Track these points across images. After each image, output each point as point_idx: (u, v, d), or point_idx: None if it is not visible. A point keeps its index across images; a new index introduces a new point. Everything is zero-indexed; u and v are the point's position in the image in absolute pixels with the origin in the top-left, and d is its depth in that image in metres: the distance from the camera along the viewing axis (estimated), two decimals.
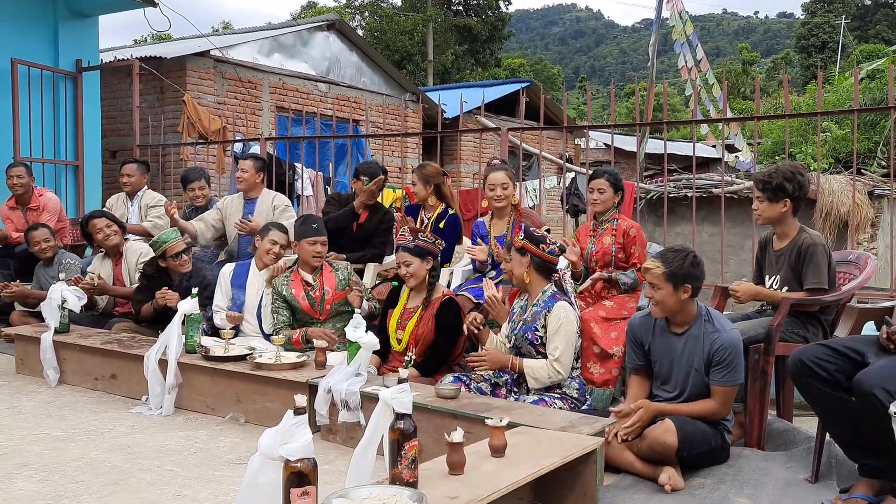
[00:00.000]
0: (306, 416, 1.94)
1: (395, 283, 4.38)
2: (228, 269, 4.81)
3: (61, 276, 4.85)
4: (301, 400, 1.95)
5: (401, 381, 2.32)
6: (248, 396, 3.80)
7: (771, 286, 3.68)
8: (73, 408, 4.00)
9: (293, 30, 11.68)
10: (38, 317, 5.50)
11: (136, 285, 5.21)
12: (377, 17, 30.13)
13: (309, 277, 4.37)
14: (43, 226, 5.69)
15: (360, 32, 24.61)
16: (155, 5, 7.80)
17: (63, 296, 4.61)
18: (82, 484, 2.89)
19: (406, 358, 3.89)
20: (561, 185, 11.34)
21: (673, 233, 7.72)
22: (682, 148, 18.40)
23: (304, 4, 36.73)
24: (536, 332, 3.42)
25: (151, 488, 2.86)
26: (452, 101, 9.03)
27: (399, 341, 3.99)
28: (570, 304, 3.45)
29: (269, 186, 7.35)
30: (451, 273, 4.94)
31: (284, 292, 4.36)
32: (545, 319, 3.41)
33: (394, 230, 5.63)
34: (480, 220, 4.78)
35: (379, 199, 5.48)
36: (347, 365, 3.51)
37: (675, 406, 3.08)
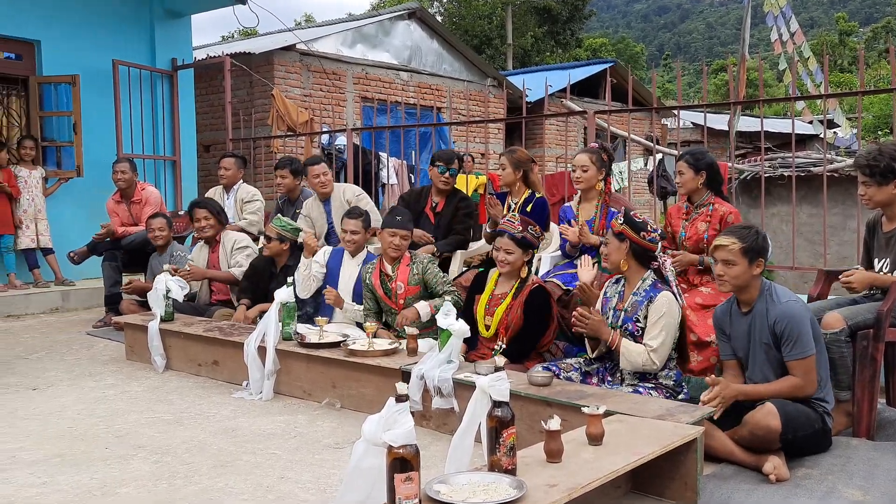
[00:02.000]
0: (408, 403, 1.98)
1: (482, 269, 4.38)
2: (327, 249, 4.96)
3: (165, 266, 5.09)
4: (403, 388, 1.99)
5: (497, 369, 2.33)
6: (342, 382, 3.89)
7: (881, 270, 3.50)
8: (179, 392, 4.19)
9: (375, 20, 11.81)
10: (147, 306, 5.80)
11: (231, 269, 5.46)
12: (455, 2, 30.09)
13: (388, 268, 4.44)
14: (163, 216, 5.98)
15: (438, 19, 24.62)
16: (244, 2, 8.02)
17: (167, 286, 4.83)
18: (192, 465, 3.04)
19: (496, 346, 3.93)
20: (648, 167, 11.08)
21: (768, 214, 7.43)
22: (775, 125, 17.69)
23: None
24: (637, 324, 3.35)
25: (256, 470, 2.98)
26: (534, 85, 8.95)
27: (487, 327, 3.98)
28: (674, 294, 3.35)
29: (356, 176, 7.50)
30: (539, 259, 4.91)
31: (367, 280, 4.46)
32: (646, 310, 3.34)
33: (476, 215, 5.64)
34: (567, 204, 4.73)
35: (458, 185, 5.50)
36: (439, 352, 3.54)
37: (756, 387, 3.01)
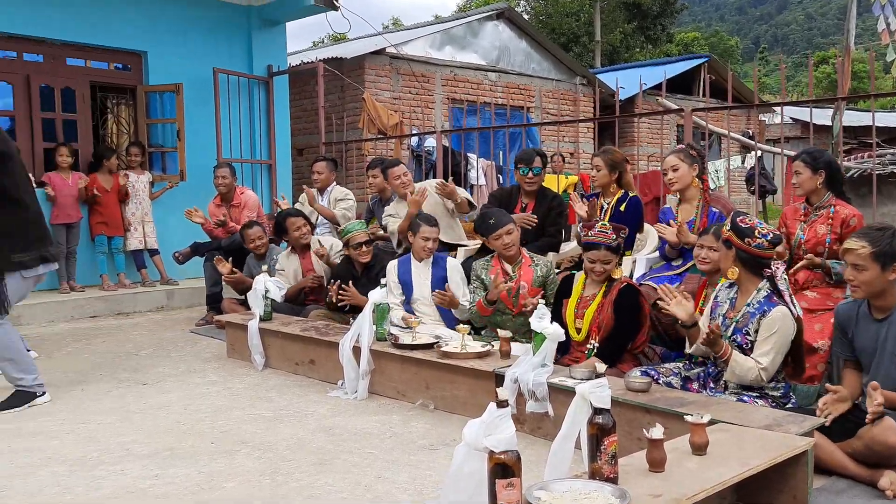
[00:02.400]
0: (510, 408, 1.97)
1: (572, 272, 4.33)
2: (393, 265, 4.99)
3: (264, 268, 5.26)
4: (504, 393, 1.98)
5: (598, 375, 2.29)
6: (436, 384, 3.92)
7: None
8: (278, 390, 4.31)
9: (463, 21, 11.85)
10: (246, 305, 6.01)
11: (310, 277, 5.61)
12: (542, 0, 29.86)
13: (509, 268, 4.43)
14: (257, 224, 6.18)
15: (525, 17, 24.49)
16: (336, 9, 8.20)
17: (266, 286, 4.99)
18: (293, 462, 3.12)
19: (588, 346, 3.87)
20: (745, 165, 10.70)
21: (879, 214, 7.04)
22: (882, 119, 16.76)
23: None
24: (747, 337, 3.21)
25: (354, 469, 3.03)
26: (625, 82, 8.78)
27: (578, 330, 3.93)
28: (789, 307, 3.18)
29: (444, 177, 7.54)
30: (634, 262, 4.81)
31: (483, 275, 4.48)
32: (758, 323, 3.19)
33: (567, 215, 5.56)
34: (667, 205, 4.62)
35: (548, 185, 5.46)
36: (533, 355, 3.52)
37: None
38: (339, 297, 4.94)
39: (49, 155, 7.36)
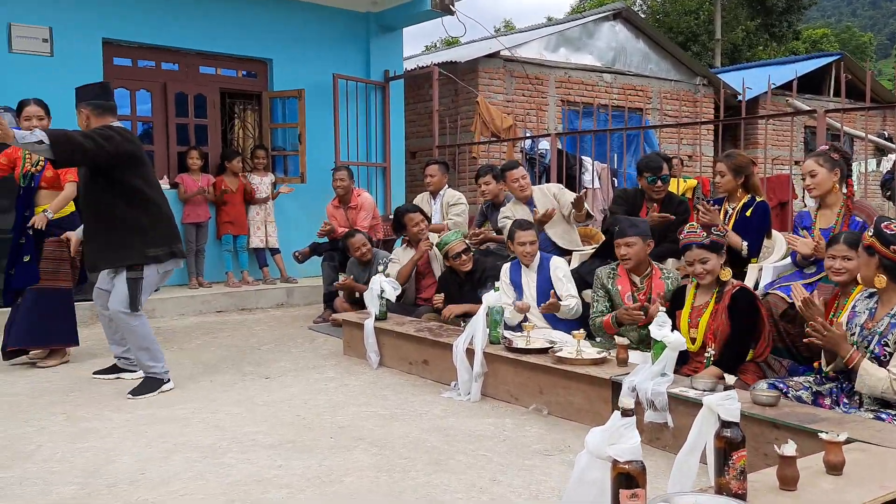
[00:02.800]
0: (634, 418, 1.92)
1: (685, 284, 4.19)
2: (506, 268, 5.03)
3: (379, 268, 5.37)
4: (629, 402, 1.93)
5: (727, 387, 2.20)
6: (550, 389, 3.88)
7: None
8: (393, 389, 4.40)
9: (579, 23, 11.71)
10: (357, 304, 6.17)
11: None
12: None
13: (637, 279, 4.35)
14: (359, 232, 6.34)
15: (641, 16, 23.93)
16: (453, 13, 8.28)
17: (382, 286, 5.10)
18: (409, 460, 3.17)
19: (707, 355, 3.73)
20: (881, 168, 10.05)
21: None
22: None
23: None
24: (886, 348, 3.01)
25: (469, 471, 3.05)
26: (749, 81, 8.41)
27: (693, 341, 3.81)
28: None
29: (559, 180, 7.47)
30: (761, 269, 4.60)
31: (609, 285, 4.41)
32: None
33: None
34: (805, 210, 4.39)
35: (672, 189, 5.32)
36: (652, 364, 3.43)
37: None
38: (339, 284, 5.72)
39: (181, 158, 7.81)
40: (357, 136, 8.83)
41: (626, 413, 1.92)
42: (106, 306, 4.40)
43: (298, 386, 4.46)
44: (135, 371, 4.55)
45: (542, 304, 4.62)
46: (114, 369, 4.67)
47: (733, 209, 4.62)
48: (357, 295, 6.26)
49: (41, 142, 3.74)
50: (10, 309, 5.01)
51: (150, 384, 4.29)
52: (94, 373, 4.68)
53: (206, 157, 7.88)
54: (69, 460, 3.17)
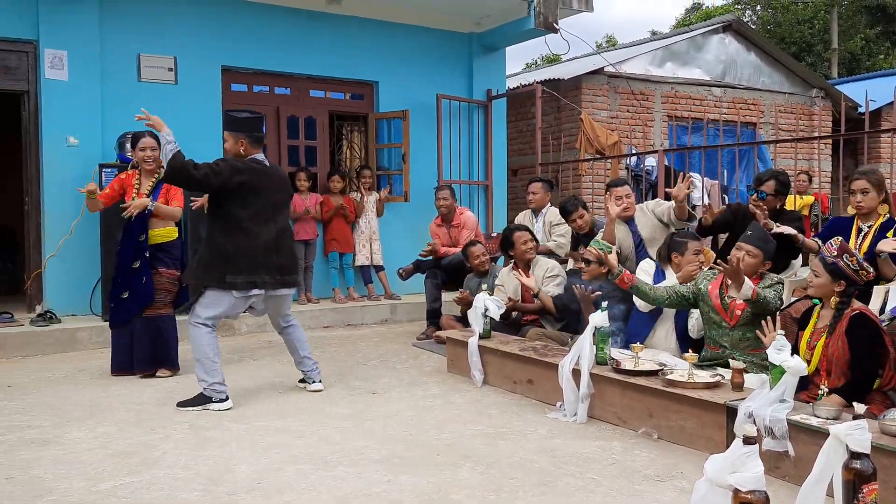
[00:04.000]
0: (757, 446, 1.85)
1: (817, 302, 3.99)
2: (643, 263, 4.94)
3: (483, 286, 5.39)
4: (752, 429, 1.86)
5: (856, 416, 2.08)
6: (660, 412, 3.78)
7: None
8: (498, 407, 4.39)
9: (686, 36, 11.44)
10: (462, 321, 6.21)
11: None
12: (771, 9, 28.02)
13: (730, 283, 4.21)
14: (478, 242, 6.41)
15: (751, 27, 23.13)
16: (556, 31, 8.27)
17: (486, 304, 5.11)
18: (516, 480, 3.15)
19: (819, 392, 3.54)
20: None
21: None
22: None
23: (689, 7, 35.74)
24: None
25: (578, 493, 3.00)
26: (871, 93, 7.97)
27: (808, 362, 3.62)
28: None
29: (667, 198, 7.28)
30: (888, 292, 4.32)
31: (701, 286, 4.31)
32: None
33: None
34: None
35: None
36: (770, 389, 3.28)
37: None
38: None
39: (291, 178, 8.10)
40: (459, 154, 8.93)
41: (748, 441, 1.85)
42: (281, 328, 4.79)
43: (404, 402, 4.52)
44: (316, 382, 4.81)
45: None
46: (302, 381, 4.92)
47: (869, 227, 4.39)
48: (460, 312, 6.31)
49: (172, 152, 4.19)
50: (116, 328, 5.28)
51: (198, 399, 4.37)
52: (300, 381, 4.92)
53: (315, 178, 8.15)
54: (192, 467, 3.33)
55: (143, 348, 5.19)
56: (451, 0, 8.17)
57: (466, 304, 6.29)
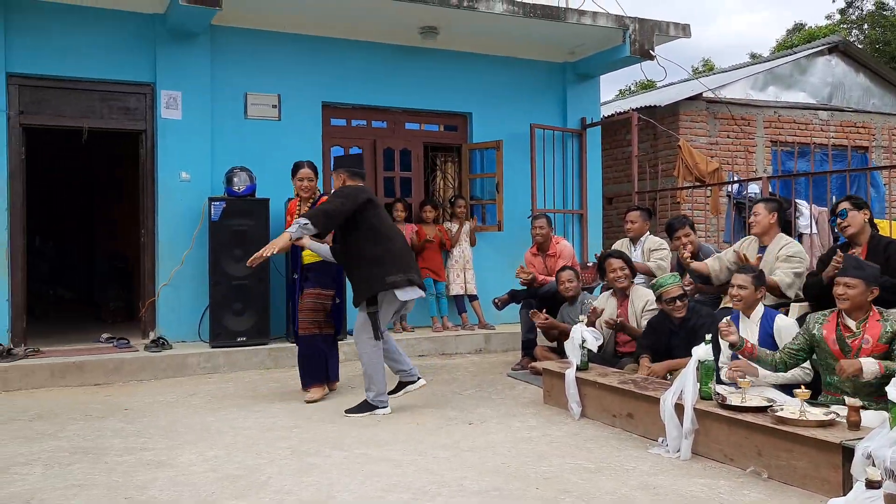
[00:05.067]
0: (881, 490, 1.74)
1: None
2: (726, 320, 4.71)
3: (581, 318, 5.33)
4: (875, 473, 1.76)
5: None
6: (769, 451, 3.61)
7: None
8: (596, 441, 4.31)
9: (789, 59, 11.10)
10: (557, 352, 6.14)
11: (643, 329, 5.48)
12: (879, 27, 26.77)
13: (852, 323, 4.00)
14: (571, 269, 6.37)
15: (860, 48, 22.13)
16: (652, 58, 8.17)
17: (583, 336, 5.04)
18: None
19: None
20: None
21: None
22: None
23: (791, 28, 34.59)
24: None
25: None
26: None
27: None
28: None
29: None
30: None
31: (815, 330, 4.09)
32: None
33: None
34: None
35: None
36: (890, 429, 3.09)
37: None
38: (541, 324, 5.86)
39: (388, 209, 8.28)
40: (553, 183, 8.90)
41: (872, 485, 1.75)
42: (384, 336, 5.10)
43: (501, 433, 4.50)
44: (415, 381, 5.16)
45: (732, 364, 4.40)
46: (399, 386, 5.20)
47: None
48: (555, 343, 6.25)
49: (306, 225, 4.66)
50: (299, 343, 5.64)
51: (364, 406, 4.96)
52: (390, 392, 5.14)
53: (410, 208, 8.30)
54: (296, 493, 3.42)
55: (302, 365, 5.55)
56: (546, 32, 8.22)
57: (547, 327, 6.22)
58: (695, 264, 5.63)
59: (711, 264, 5.64)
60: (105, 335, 7.19)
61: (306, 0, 7.17)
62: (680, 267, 6.08)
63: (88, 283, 11.37)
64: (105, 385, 6.05)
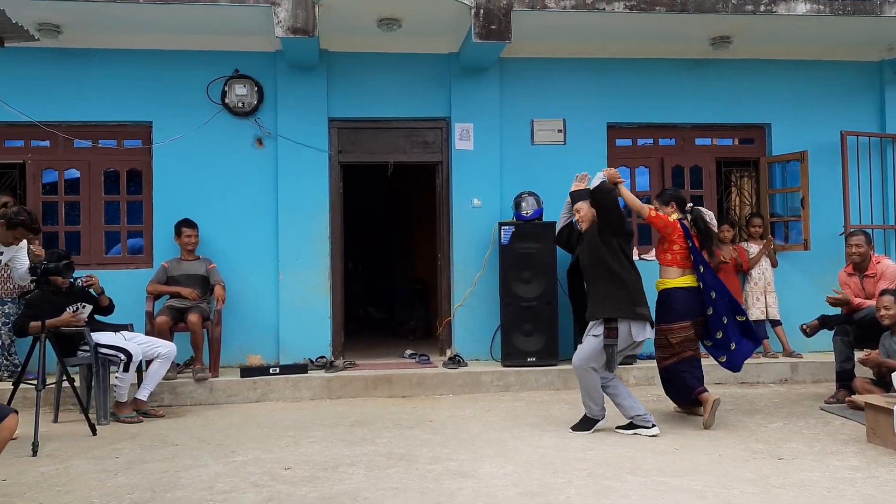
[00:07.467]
0: None
1: None
2: None
3: None
4: None
5: None
6: None
7: None
8: None
9: None
10: (879, 385, 5.43)
11: None
12: None
13: None
14: (893, 292, 5.63)
15: None
16: None
17: None
18: None
19: None
20: None
21: None
22: None
23: None
24: None
25: None
26: None
27: None
28: None
29: None
30: None
31: None
32: None
33: None
34: None
35: None
36: None
37: None
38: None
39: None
40: (871, 196, 7.92)
41: None
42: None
43: (817, 471, 4.06)
44: (649, 427, 4.97)
45: None
46: (630, 426, 5.07)
47: None
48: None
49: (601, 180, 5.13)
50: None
51: (585, 423, 5.11)
52: (617, 427, 5.13)
53: None
54: None
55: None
56: (857, 29, 7.39)
57: (874, 364, 5.51)
58: None
59: None
60: (408, 351, 7.80)
61: (591, 25, 7.20)
62: None
63: (390, 304, 12.42)
64: (409, 397, 6.55)
